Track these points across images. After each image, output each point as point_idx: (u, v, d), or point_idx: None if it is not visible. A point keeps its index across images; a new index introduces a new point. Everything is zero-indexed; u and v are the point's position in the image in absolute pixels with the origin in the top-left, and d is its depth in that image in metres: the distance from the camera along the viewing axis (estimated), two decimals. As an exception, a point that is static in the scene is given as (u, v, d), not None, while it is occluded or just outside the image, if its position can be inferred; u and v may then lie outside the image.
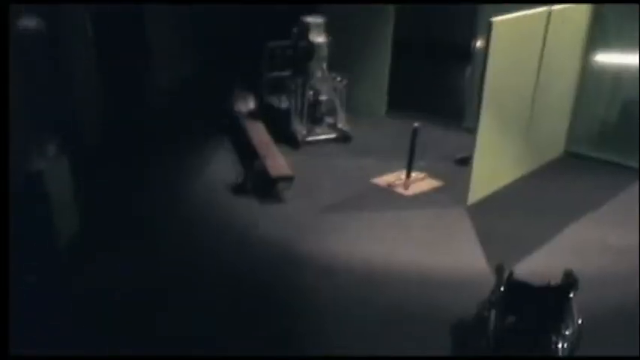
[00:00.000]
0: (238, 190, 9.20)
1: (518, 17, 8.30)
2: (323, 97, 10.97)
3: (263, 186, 9.13)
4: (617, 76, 9.84)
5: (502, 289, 6.00)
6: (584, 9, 9.49)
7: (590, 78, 10.02)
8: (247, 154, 10.03)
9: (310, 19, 10.76)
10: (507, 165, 9.42)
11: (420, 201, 9.21)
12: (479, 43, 10.23)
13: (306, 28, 10.72)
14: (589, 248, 7.99)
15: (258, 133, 10.49)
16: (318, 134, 10.95)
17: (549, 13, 8.79)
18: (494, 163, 9.02)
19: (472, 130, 8.61)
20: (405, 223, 8.65)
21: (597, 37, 9.76)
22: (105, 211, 8.53)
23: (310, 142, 10.82)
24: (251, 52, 11.34)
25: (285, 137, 10.70)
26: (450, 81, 12.13)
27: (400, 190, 9.45)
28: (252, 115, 11.18)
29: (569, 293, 5.84)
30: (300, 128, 10.78)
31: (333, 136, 11.01)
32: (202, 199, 9.13)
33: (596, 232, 8.35)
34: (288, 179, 9.12)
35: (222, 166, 10.08)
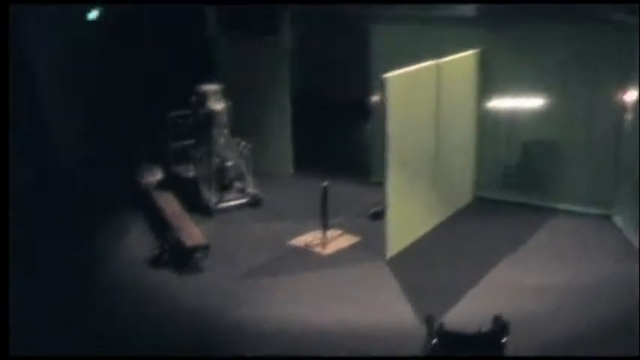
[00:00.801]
0: (155, 262, 9.40)
1: (410, 72, 9.05)
2: (229, 163, 11.44)
3: (180, 257, 9.36)
4: (512, 118, 10.72)
5: (434, 340, 6.28)
6: (471, 58, 10.48)
7: (487, 123, 10.96)
8: (160, 226, 10.33)
9: (207, 87, 11.35)
10: (421, 216, 10.03)
11: (339, 259, 9.58)
12: (376, 98, 10.85)
13: (203, 96, 11.28)
14: (513, 290, 8.53)
15: (169, 204, 10.88)
16: (229, 200, 11.41)
17: (438, 65, 9.64)
18: (408, 215, 9.61)
19: (381, 184, 9.09)
20: (327, 281, 9.02)
21: (486, 82, 10.71)
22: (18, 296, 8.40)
23: (222, 209, 11.25)
24: (152, 124, 11.56)
25: (196, 206, 11.08)
26: (353, 136, 12.75)
27: (318, 249, 9.84)
28: (161, 186, 11.53)
29: (501, 339, 6.19)
30: (210, 196, 11.23)
31: (244, 200, 11.49)
32: (119, 276, 9.28)
33: (517, 273, 8.99)
34: (204, 248, 9.45)
35: (135, 241, 10.26)
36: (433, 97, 9.74)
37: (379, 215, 9.54)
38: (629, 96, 9.82)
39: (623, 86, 9.86)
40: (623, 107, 9.98)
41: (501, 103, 10.72)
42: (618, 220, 10.30)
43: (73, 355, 7.15)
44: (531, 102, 10.51)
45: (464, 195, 11.19)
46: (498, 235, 10.11)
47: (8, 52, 6.97)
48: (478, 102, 10.84)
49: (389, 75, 8.59)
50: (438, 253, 9.62)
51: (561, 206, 10.82)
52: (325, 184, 9.72)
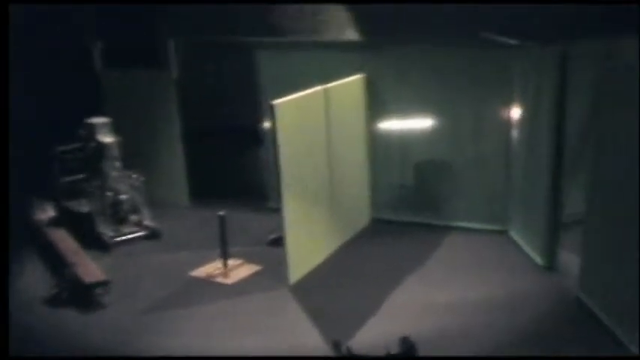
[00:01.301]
0: (54, 301, 9.36)
1: (298, 98, 9.50)
2: (123, 196, 11.59)
3: (79, 294, 9.37)
4: (403, 139, 11.33)
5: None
6: (358, 81, 11.08)
7: (379, 145, 11.55)
8: (56, 263, 10.32)
9: (95, 120, 11.51)
10: (320, 240, 10.43)
11: (242, 288, 9.78)
12: (266, 124, 11.25)
13: (92, 129, 11.44)
14: (419, 310, 8.94)
15: (64, 241, 10.98)
16: (126, 234, 11.54)
17: (326, 90, 10.15)
18: (307, 240, 9.98)
19: (279, 210, 9.38)
20: (232, 311, 9.24)
21: (375, 105, 11.30)
22: None
23: (119, 243, 11.34)
24: (42, 159, 11.50)
25: (92, 241, 11.16)
26: (247, 163, 13.02)
27: (221, 279, 10.04)
28: (54, 222, 11.52)
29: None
30: (106, 230, 11.37)
31: (141, 233, 11.64)
32: (17, 317, 9.01)
33: (421, 292, 9.41)
34: (104, 284, 9.51)
35: (31, 281, 10.19)
36: (323, 122, 10.23)
37: (278, 241, 9.84)
38: (514, 113, 10.58)
39: (508, 103, 10.59)
40: (509, 124, 10.70)
41: (391, 125, 11.31)
42: (514, 234, 10.95)
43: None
44: (420, 123, 11.12)
45: (361, 217, 11.72)
46: (399, 256, 10.59)
47: (8, 52, 7.09)
48: (368, 125, 11.42)
49: (277, 102, 8.98)
50: (340, 277, 9.98)
51: (458, 224, 11.43)
52: (222, 213, 10.01)
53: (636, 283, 7.35)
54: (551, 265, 9.84)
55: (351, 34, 11.46)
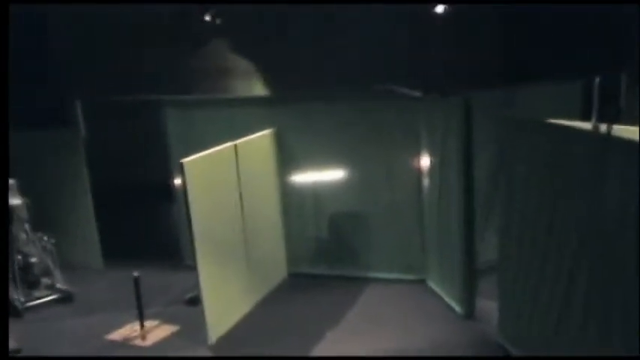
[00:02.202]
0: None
1: (207, 155, 9.68)
2: (33, 259, 11.56)
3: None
4: (316, 192, 11.70)
5: None
6: (267, 136, 11.45)
7: (292, 199, 11.88)
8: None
9: None
10: (237, 297, 10.56)
11: (161, 349, 9.77)
12: (177, 182, 11.39)
13: None
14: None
15: None
16: (38, 298, 11.46)
17: (236, 146, 10.39)
18: (224, 298, 10.07)
19: (193, 268, 9.48)
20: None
21: (286, 159, 11.67)
22: None
23: (31, 308, 11.27)
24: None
25: (2, 307, 10.93)
26: (160, 222, 13.18)
27: (138, 342, 10.02)
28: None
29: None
30: (16, 295, 11.21)
31: (53, 297, 11.58)
32: None
33: (344, 345, 9.62)
34: (15, 352, 9.43)
35: None
36: (234, 178, 10.43)
37: (196, 300, 9.90)
38: (423, 161, 11.07)
39: (417, 152, 11.08)
40: (419, 172, 11.17)
41: (303, 178, 11.61)
42: (432, 283, 11.30)
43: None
44: (332, 174, 11.47)
45: (278, 272, 11.93)
46: (318, 310, 10.77)
47: (8, 52, 7.14)
48: (281, 179, 11.73)
49: (186, 160, 9.13)
50: (260, 334, 10.07)
51: (376, 275, 11.70)
52: (136, 274, 10.01)
53: (548, 325, 7.80)
54: (469, 313, 10.13)
55: (259, 90, 11.96)
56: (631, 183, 6.09)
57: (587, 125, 9.32)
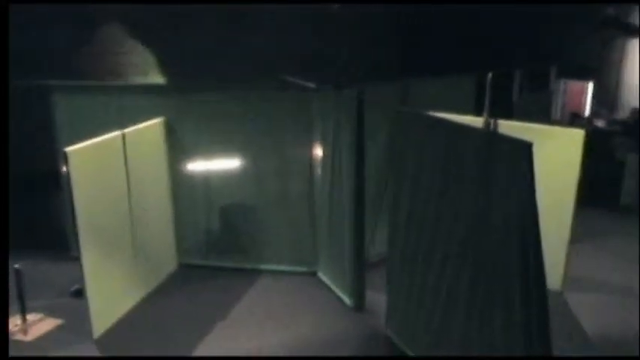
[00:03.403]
0: None
1: (93, 144, 9.30)
2: None
3: None
4: (207, 182, 11.41)
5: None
6: (157, 126, 11.09)
7: (183, 190, 11.55)
8: None
9: None
10: (124, 289, 10.22)
11: (43, 344, 9.43)
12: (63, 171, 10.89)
13: None
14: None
15: None
16: None
17: (124, 135, 9.98)
18: (110, 290, 9.74)
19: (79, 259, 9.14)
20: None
21: (176, 149, 11.35)
22: None
23: None
24: None
25: None
26: (45, 211, 12.62)
27: (20, 336, 9.63)
28: None
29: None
30: None
31: None
32: None
33: (231, 339, 9.47)
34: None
35: None
36: (122, 167, 10.05)
37: (81, 293, 9.55)
38: (316, 153, 10.97)
39: (310, 144, 10.99)
40: (312, 164, 11.08)
41: (194, 168, 11.32)
42: (323, 276, 11.24)
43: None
44: (224, 165, 11.23)
45: (168, 264, 11.61)
46: (207, 302, 10.55)
47: (8, 52, 6.92)
48: (172, 169, 11.40)
49: (70, 148, 8.78)
50: (147, 328, 9.80)
51: (267, 267, 11.56)
52: (17, 266, 9.60)
53: (434, 319, 7.85)
54: (360, 305, 10.13)
55: (155, 77, 11.51)
56: (514, 180, 6.02)
57: (479, 120, 9.37)
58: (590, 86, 17.28)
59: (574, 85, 17.50)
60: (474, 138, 6.84)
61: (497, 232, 6.53)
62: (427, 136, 7.78)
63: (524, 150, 5.80)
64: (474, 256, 7.02)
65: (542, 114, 15.76)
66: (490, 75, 11.63)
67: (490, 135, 6.74)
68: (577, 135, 10.00)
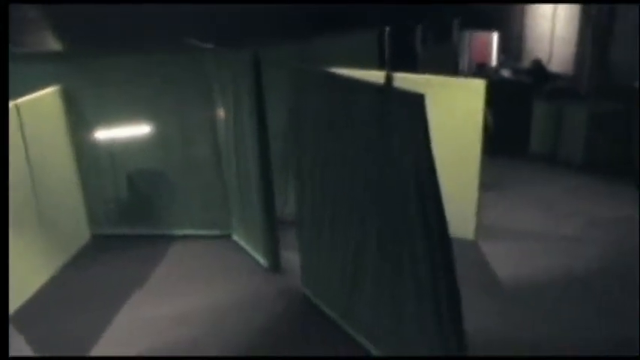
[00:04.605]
0: None
1: None
2: None
3: None
4: (112, 150, 11.04)
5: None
6: (54, 95, 10.54)
7: (88, 159, 11.14)
8: None
9: None
10: (35, 265, 9.86)
11: None
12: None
13: None
14: (149, 325, 8.85)
15: None
16: None
17: (17, 106, 9.46)
18: (18, 267, 8.98)
19: None
20: None
21: (77, 118, 10.87)
22: None
23: None
24: None
25: None
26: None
27: None
28: None
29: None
30: None
31: None
32: None
33: (152, 306, 9.32)
34: None
35: None
36: (19, 140, 9.59)
37: None
38: (218, 116, 10.72)
39: (211, 107, 10.72)
40: (215, 127, 10.85)
41: (97, 137, 10.94)
42: (237, 238, 11.14)
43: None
44: (127, 131, 10.88)
45: (79, 236, 11.28)
46: (121, 272, 10.35)
47: (8, 52, 6.75)
48: (74, 139, 10.96)
49: None
50: (62, 302, 9.52)
51: (180, 232, 11.37)
52: None
53: (344, 279, 7.87)
54: (275, 265, 10.08)
55: (51, 44, 11.01)
56: (409, 133, 5.92)
57: (379, 74, 9.23)
58: (495, 37, 17.38)
59: (479, 36, 17.58)
60: (369, 93, 6.71)
61: (397, 187, 6.47)
62: (323, 93, 7.66)
63: (416, 101, 5.67)
64: (377, 213, 7.00)
65: (447, 66, 15.75)
66: (388, 29, 11.62)
67: (383, 89, 6.59)
68: (478, 85, 9.95)
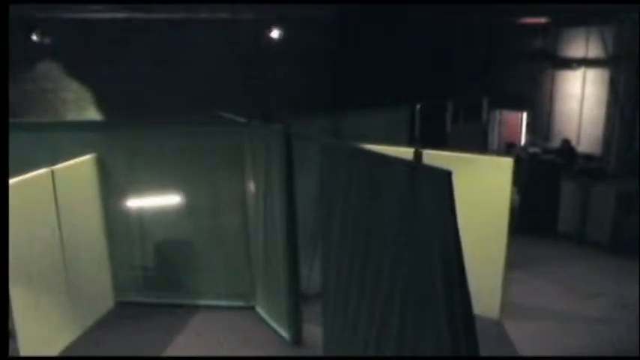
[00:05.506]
0: None
1: (21, 180, 9.00)
2: None
3: None
4: (141, 219, 11.20)
5: None
6: (88, 162, 10.81)
7: (117, 226, 11.28)
8: None
9: None
10: (58, 329, 9.93)
11: None
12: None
13: None
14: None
15: None
16: None
17: (53, 172, 9.74)
18: (42, 330, 9.49)
19: None
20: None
21: (109, 186, 11.08)
22: None
23: None
24: None
25: None
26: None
27: None
28: None
29: None
30: None
31: None
32: None
33: None
34: None
35: None
36: (52, 205, 9.80)
37: (12, 334, 9.02)
38: (249, 188, 10.87)
39: (243, 179, 10.90)
40: (245, 199, 10.98)
41: (127, 205, 11.11)
42: (260, 310, 11.13)
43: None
44: (158, 201, 11.05)
45: (104, 302, 11.35)
46: (143, 341, 10.34)
47: (8, 52, 6.83)
48: (105, 206, 11.14)
49: None
50: None
51: (204, 302, 11.40)
52: None
53: (367, 350, 7.76)
54: (297, 339, 10.06)
55: (90, 115, 11.33)
56: (436, 209, 5.97)
57: (409, 151, 9.32)
58: (525, 116, 17.54)
59: (509, 115, 17.75)
60: (398, 168, 6.80)
61: (423, 262, 6.49)
62: (353, 167, 7.77)
63: (443, 178, 5.76)
64: (403, 288, 6.99)
65: (477, 144, 15.90)
66: (419, 106, 11.79)
67: (411, 165, 6.68)
68: (506, 163, 10.02)
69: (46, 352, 9.58)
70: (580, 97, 16.65)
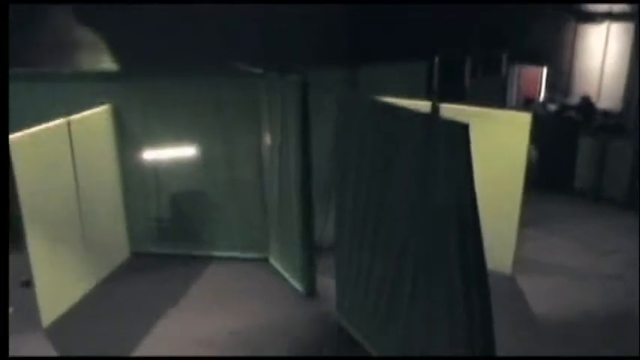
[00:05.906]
0: None
1: (37, 131, 9.07)
2: None
3: None
4: (157, 170, 11.23)
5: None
6: (104, 113, 10.83)
7: (133, 177, 11.35)
8: None
9: None
10: (74, 279, 10.08)
11: None
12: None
13: None
14: (181, 343, 8.95)
15: None
16: None
17: (69, 122, 9.76)
18: (59, 280, 9.62)
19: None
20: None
21: (125, 137, 11.13)
22: None
23: None
24: None
25: None
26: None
27: None
28: None
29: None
30: None
31: None
32: None
33: (183, 325, 9.41)
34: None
35: None
36: (68, 155, 9.85)
37: (30, 283, 9.33)
38: (264, 139, 10.86)
39: (258, 130, 10.88)
40: (260, 150, 10.99)
41: (144, 156, 11.12)
42: (274, 262, 11.20)
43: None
44: (174, 152, 11.05)
45: (120, 252, 11.49)
46: (159, 290, 10.49)
47: (8, 52, 6.89)
48: (120, 157, 11.21)
49: (13, 136, 8.40)
50: (98, 315, 9.71)
51: (219, 253, 11.50)
52: None
53: (380, 305, 7.85)
54: (311, 291, 10.14)
55: (106, 64, 11.27)
56: (452, 162, 5.94)
57: (426, 104, 9.28)
58: (544, 71, 17.31)
59: (528, 70, 17.53)
60: (415, 121, 6.76)
61: (438, 215, 6.51)
62: (370, 119, 7.73)
63: (460, 131, 5.73)
64: (416, 242, 7.02)
65: (495, 99, 15.74)
66: (437, 60, 11.64)
67: (428, 118, 6.64)
68: (525, 118, 9.94)
69: (62, 300, 9.76)
70: (602, 52, 16.40)
